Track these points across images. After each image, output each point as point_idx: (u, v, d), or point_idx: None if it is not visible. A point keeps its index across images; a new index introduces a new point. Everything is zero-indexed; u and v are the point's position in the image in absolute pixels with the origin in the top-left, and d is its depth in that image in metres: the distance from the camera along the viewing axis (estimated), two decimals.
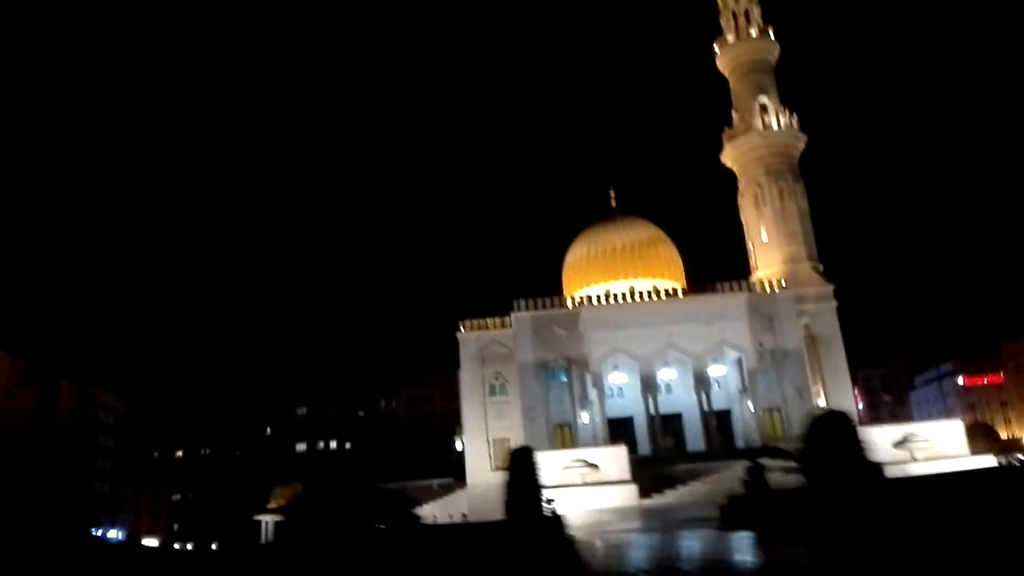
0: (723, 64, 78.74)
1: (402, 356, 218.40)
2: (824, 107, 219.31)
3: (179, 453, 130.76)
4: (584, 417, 66.78)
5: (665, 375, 65.79)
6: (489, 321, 71.66)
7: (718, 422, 63.35)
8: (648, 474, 47.72)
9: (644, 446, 63.05)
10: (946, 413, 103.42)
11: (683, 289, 70.01)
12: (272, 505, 74.07)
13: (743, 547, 19.89)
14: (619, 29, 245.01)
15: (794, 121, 74.19)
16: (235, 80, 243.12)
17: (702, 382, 62.15)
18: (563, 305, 69.53)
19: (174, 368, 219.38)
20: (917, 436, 42.86)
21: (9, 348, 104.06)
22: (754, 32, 77.13)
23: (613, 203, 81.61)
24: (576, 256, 77.97)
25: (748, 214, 74.99)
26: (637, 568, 19.01)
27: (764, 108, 74.95)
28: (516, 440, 68.89)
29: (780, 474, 40.87)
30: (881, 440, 46.77)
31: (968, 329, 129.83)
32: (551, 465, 40.98)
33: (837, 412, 15.69)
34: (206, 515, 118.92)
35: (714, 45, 79.73)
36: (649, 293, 66.02)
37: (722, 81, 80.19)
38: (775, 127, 74.07)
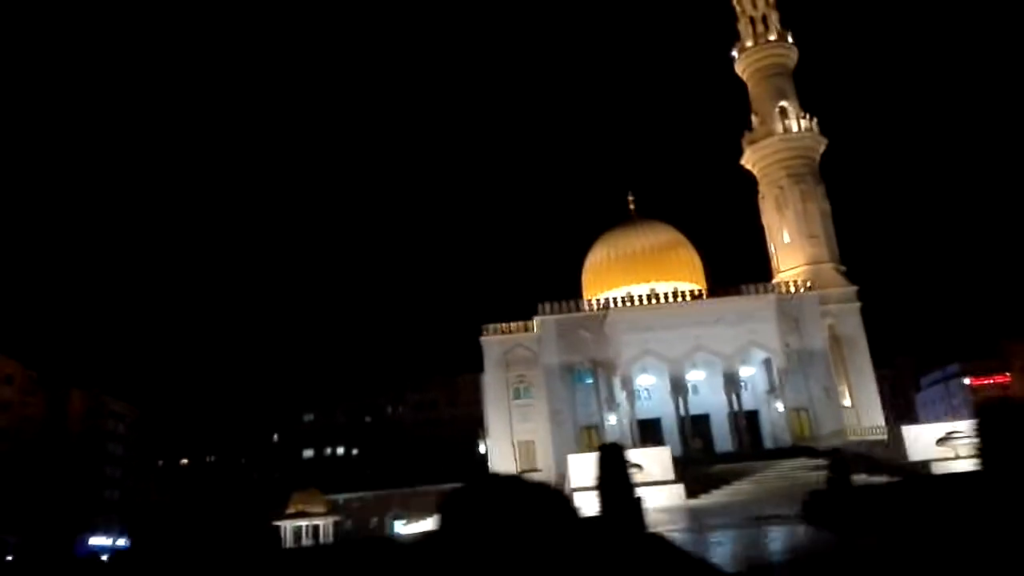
0: (741, 69, 79.43)
1: (408, 362, 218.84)
2: (844, 111, 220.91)
3: (184, 461, 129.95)
4: (611, 419, 66.89)
5: (693, 376, 66.05)
6: (512, 325, 72.08)
7: (747, 423, 63.66)
8: (688, 475, 47.78)
9: (674, 448, 63.12)
10: (952, 414, 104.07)
11: (706, 291, 70.42)
12: (291, 511, 73.11)
13: (842, 541, 19.96)
14: (638, 35, 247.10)
15: (814, 124, 74.90)
16: (259, 83, 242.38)
17: (733, 383, 62.40)
18: (583, 308, 69.90)
19: (183, 375, 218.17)
20: (959, 434, 43.23)
21: (20, 357, 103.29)
22: (772, 37, 77.84)
23: (632, 207, 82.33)
24: (597, 259, 78.42)
25: (770, 216, 75.62)
26: (760, 559, 19.05)
27: (784, 112, 75.65)
28: (542, 443, 69.17)
29: (810, 472, 41.37)
30: (925, 437, 47.53)
31: (974, 330, 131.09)
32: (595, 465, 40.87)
33: (1010, 401, 15.88)
34: (215, 523, 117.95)
35: (733, 51, 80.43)
36: (675, 294, 66.19)
37: (740, 85, 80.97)
38: (795, 130, 74.79)
